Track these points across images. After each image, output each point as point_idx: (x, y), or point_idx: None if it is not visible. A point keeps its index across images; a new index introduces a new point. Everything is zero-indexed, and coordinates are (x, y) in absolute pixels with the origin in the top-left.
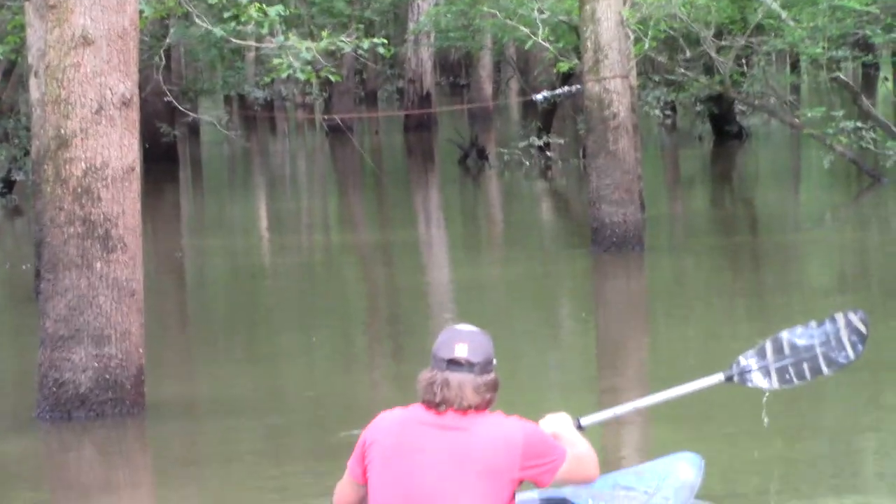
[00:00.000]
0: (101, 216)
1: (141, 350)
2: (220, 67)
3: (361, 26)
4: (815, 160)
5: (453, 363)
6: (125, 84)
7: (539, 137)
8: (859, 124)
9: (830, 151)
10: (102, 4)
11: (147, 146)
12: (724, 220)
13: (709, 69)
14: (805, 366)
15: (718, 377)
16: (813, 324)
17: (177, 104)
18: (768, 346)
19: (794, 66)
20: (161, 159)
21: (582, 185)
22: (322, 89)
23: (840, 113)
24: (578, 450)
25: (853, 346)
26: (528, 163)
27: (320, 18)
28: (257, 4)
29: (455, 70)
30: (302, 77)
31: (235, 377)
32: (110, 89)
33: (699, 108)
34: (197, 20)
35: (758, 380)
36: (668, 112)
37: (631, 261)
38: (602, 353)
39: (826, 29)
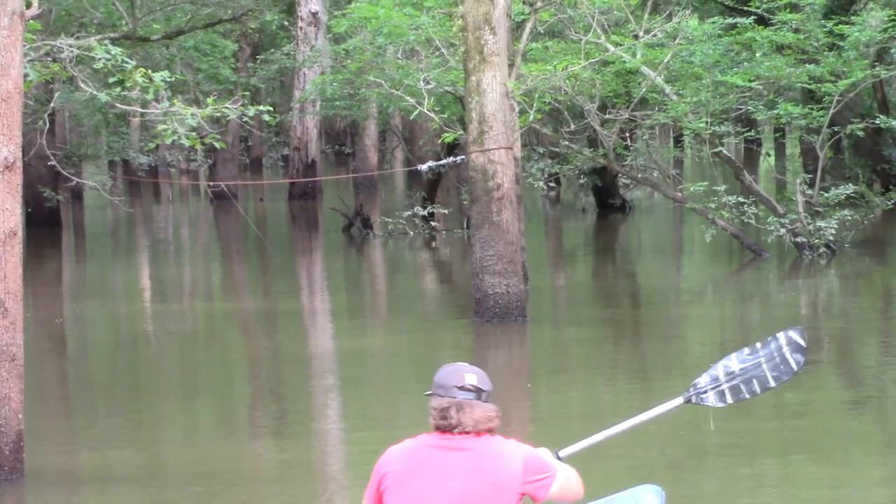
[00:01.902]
0: None
1: (20, 416)
2: (105, 132)
3: (247, 93)
4: (698, 234)
5: (464, 389)
6: (8, 148)
7: (423, 207)
8: (741, 199)
9: (712, 226)
10: None
11: (29, 210)
12: (607, 292)
13: (593, 142)
14: (754, 381)
15: (678, 400)
16: (758, 345)
17: (60, 169)
18: (720, 368)
19: (678, 141)
20: (44, 224)
21: (466, 255)
22: (207, 156)
23: (722, 188)
24: (566, 470)
25: (795, 360)
26: (412, 232)
27: (206, 85)
28: (143, 70)
29: (340, 138)
30: (187, 143)
31: (116, 445)
32: None
33: (583, 180)
34: (82, 85)
35: (712, 399)
36: (552, 184)
37: (513, 331)
38: None
39: (709, 104)
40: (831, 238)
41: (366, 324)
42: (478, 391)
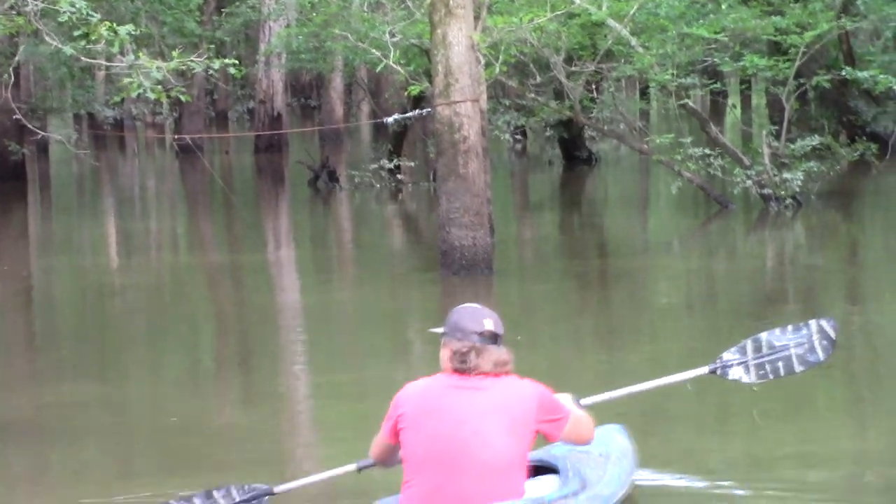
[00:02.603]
0: None
1: None
2: (70, 86)
3: (212, 46)
4: (664, 186)
5: (483, 335)
6: None
7: (389, 160)
8: (707, 151)
9: (679, 178)
10: None
11: None
12: (573, 244)
13: (559, 94)
14: (780, 364)
15: (703, 370)
16: (789, 328)
17: (25, 122)
18: (749, 344)
19: (644, 93)
20: (9, 178)
21: (432, 208)
22: (172, 109)
23: (688, 140)
24: (579, 413)
25: (823, 349)
26: (378, 185)
27: (171, 38)
28: (108, 23)
29: (306, 91)
30: (152, 96)
31: (83, 398)
32: None
33: (549, 132)
34: (47, 38)
35: (737, 374)
36: (518, 136)
37: (479, 284)
38: None
39: (675, 56)
40: (798, 190)
41: (332, 277)
42: (494, 336)
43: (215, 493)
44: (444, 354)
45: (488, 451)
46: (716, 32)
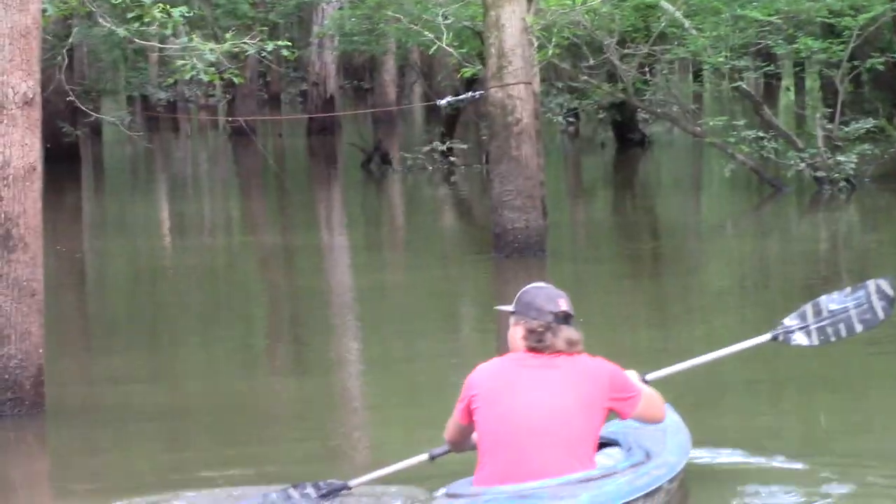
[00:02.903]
0: (2, 216)
1: (41, 350)
2: (124, 68)
3: (265, 29)
4: (717, 169)
5: (558, 315)
6: (27, 83)
7: (442, 142)
8: (760, 134)
9: (732, 160)
10: (5, 3)
11: (49, 146)
12: (626, 227)
13: (612, 77)
14: (841, 325)
15: (766, 337)
16: (847, 290)
17: (79, 104)
18: (809, 309)
19: (697, 76)
20: (63, 159)
21: (484, 190)
22: (225, 91)
23: (742, 122)
24: (650, 392)
25: (883, 309)
26: (431, 168)
27: (224, 20)
28: (161, 5)
29: (359, 74)
30: (205, 78)
31: (136, 379)
32: (12, 88)
33: (602, 115)
34: (100, 20)
35: (800, 339)
36: (570, 119)
37: (532, 266)
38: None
39: (729, 38)
40: (851, 172)
41: (385, 259)
42: (567, 316)
43: (292, 491)
44: (517, 333)
45: (563, 428)
46: (769, 14)
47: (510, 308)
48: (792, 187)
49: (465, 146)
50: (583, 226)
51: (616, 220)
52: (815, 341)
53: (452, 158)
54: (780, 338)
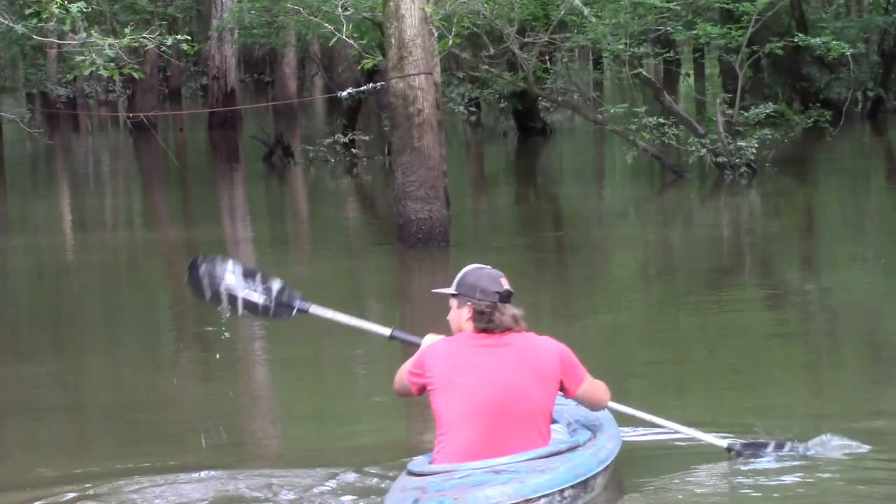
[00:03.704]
0: None
1: None
2: (22, 64)
3: (164, 23)
4: (619, 156)
5: (503, 294)
6: None
7: (344, 134)
8: (661, 120)
9: (633, 147)
10: None
11: None
12: (529, 215)
13: (512, 66)
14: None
15: (722, 443)
16: (808, 444)
17: None
18: (771, 445)
19: (597, 63)
20: None
21: (387, 181)
22: (125, 87)
23: (642, 109)
24: (594, 379)
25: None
26: (333, 160)
27: (123, 15)
28: (59, 1)
29: (259, 67)
30: (105, 74)
31: (39, 375)
32: None
33: (503, 104)
34: None
35: (756, 455)
36: (472, 108)
37: (436, 257)
38: (409, 349)
39: (628, 25)
40: (752, 157)
41: (289, 251)
42: (510, 294)
43: (254, 277)
44: (462, 315)
45: (522, 404)
46: (668, 1)
47: (451, 291)
48: (693, 173)
49: (367, 138)
50: (486, 215)
51: (519, 209)
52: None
53: (354, 150)
54: (734, 454)
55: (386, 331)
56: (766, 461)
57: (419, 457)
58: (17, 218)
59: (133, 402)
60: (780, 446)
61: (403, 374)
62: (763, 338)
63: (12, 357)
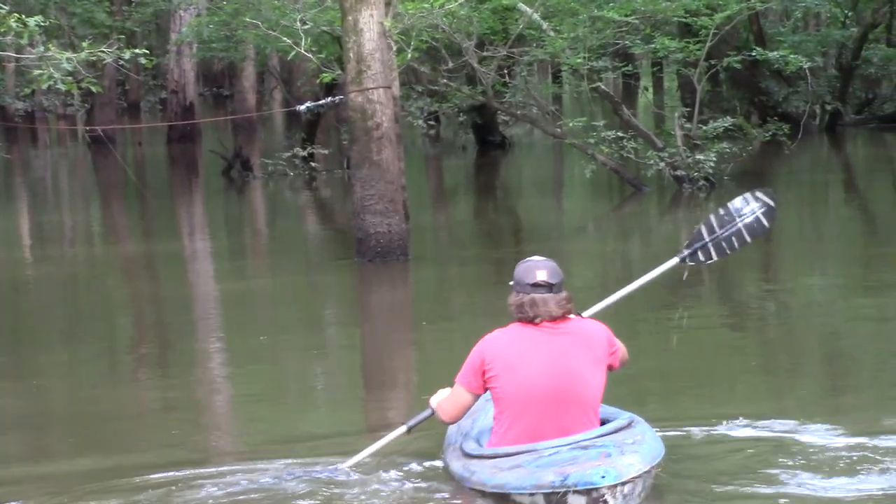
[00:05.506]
0: None
1: None
2: None
3: (123, 37)
4: (578, 170)
5: (536, 286)
6: None
7: (303, 148)
8: (620, 134)
9: (592, 161)
10: None
11: None
12: (488, 229)
13: (471, 79)
14: (734, 238)
15: (674, 260)
16: (730, 204)
17: None
18: (702, 228)
19: (556, 77)
20: None
21: (346, 195)
22: (84, 100)
23: (601, 123)
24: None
25: (766, 216)
26: (292, 174)
27: (81, 29)
28: (16, 15)
29: (218, 81)
30: (63, 88)
31: None
32: None
33: (462, 118)
34: None
35: (702, 256)
36: (431, 122)
37: (396, 270)
38: (369, 362)
39: (587, 39)
40: (710, 171)
41: (248, 265)
42: (548, 285)
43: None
44: (511, 306)
45: (583, 388)
46: (626, 15)
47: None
48: (652, 187)
49: (326, 151)
50: (445, 229)
51: (478, 223)
52: (715, 256)
53: (314, 164)
54: (687, 259)
55: (402, 428)
56: (711, 242)
57: (464, 441)
58: None
59: (91, 416)
60: (709, 226)
61: (457, 393)
62: (721, 350)
63: None
